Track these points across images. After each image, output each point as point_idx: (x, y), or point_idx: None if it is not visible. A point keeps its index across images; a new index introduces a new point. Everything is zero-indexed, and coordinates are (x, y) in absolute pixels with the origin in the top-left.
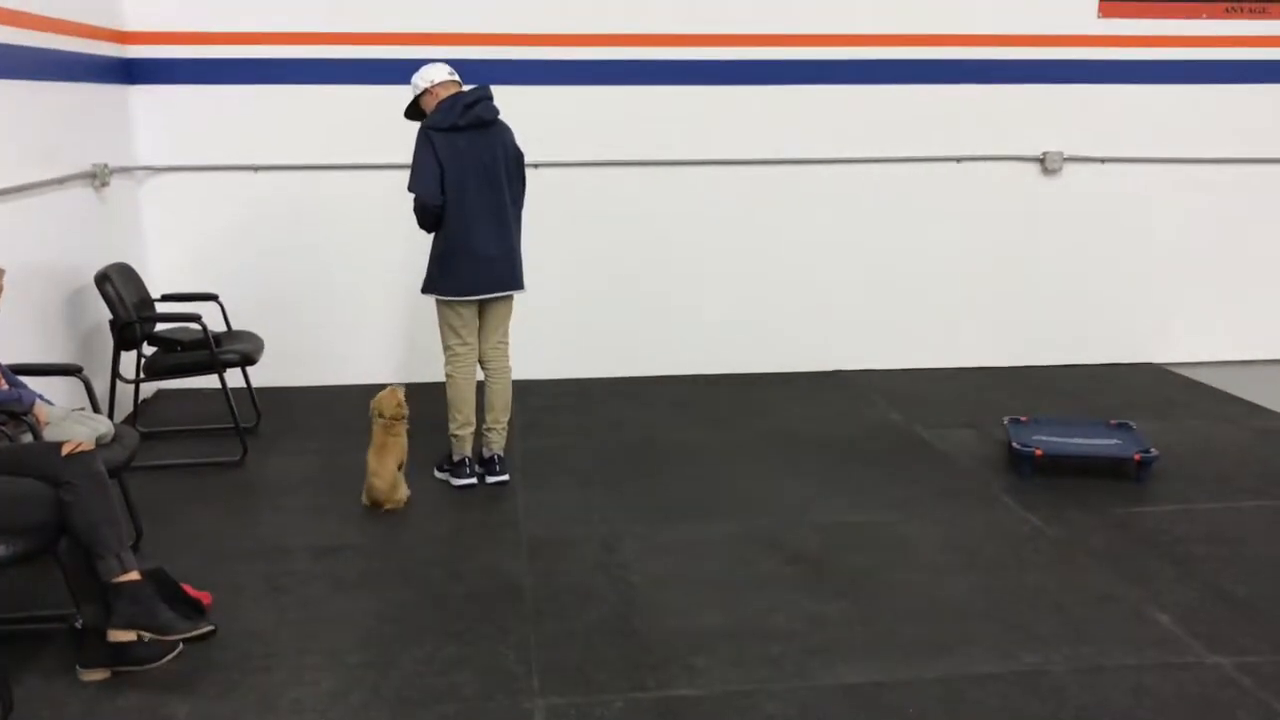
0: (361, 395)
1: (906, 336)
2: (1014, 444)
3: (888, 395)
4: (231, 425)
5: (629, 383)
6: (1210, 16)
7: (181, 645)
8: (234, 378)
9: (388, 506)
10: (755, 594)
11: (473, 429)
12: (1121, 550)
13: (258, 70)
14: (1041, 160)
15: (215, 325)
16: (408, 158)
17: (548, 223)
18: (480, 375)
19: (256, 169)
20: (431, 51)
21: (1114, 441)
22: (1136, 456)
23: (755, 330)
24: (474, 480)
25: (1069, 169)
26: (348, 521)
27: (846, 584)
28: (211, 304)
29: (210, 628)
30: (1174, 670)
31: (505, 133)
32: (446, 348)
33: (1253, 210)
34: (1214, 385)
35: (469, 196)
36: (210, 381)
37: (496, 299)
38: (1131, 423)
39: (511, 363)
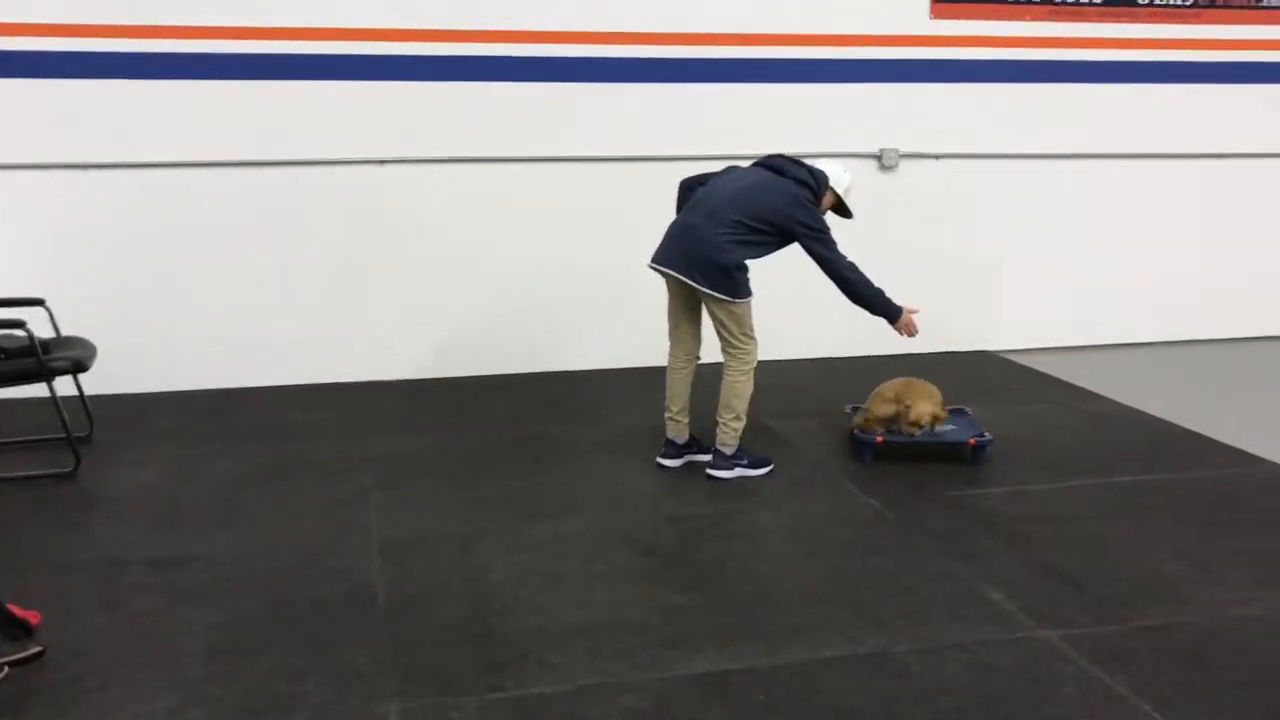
0: (207, 400)
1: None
2: (855, 431)
3: None
4: (63, 435)
5: (493, 380)
6: (1034, 19)
7: (7, 669)
8: (66, 386)
9: None
10: (611, 589)
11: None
12: (958, 532)
13: (88, 64)
14: (879, 157)
15: (43, 331)
16: (251, 153)
17: (391, 221)
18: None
19: (86, 167)
20: (256, 45)
21: (950, 427)
22: (971, 441)
23: (617, 324)
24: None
25: (905, 165)
26: (190, 531)
27: (699, 575)
28: (38, 309)
29: (39, 649)
30: (1007, 645)
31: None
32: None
33: (1077, 202)
34: (1044, 371)
35: None
36: (40, 390)
37: None
38: (966, 408)
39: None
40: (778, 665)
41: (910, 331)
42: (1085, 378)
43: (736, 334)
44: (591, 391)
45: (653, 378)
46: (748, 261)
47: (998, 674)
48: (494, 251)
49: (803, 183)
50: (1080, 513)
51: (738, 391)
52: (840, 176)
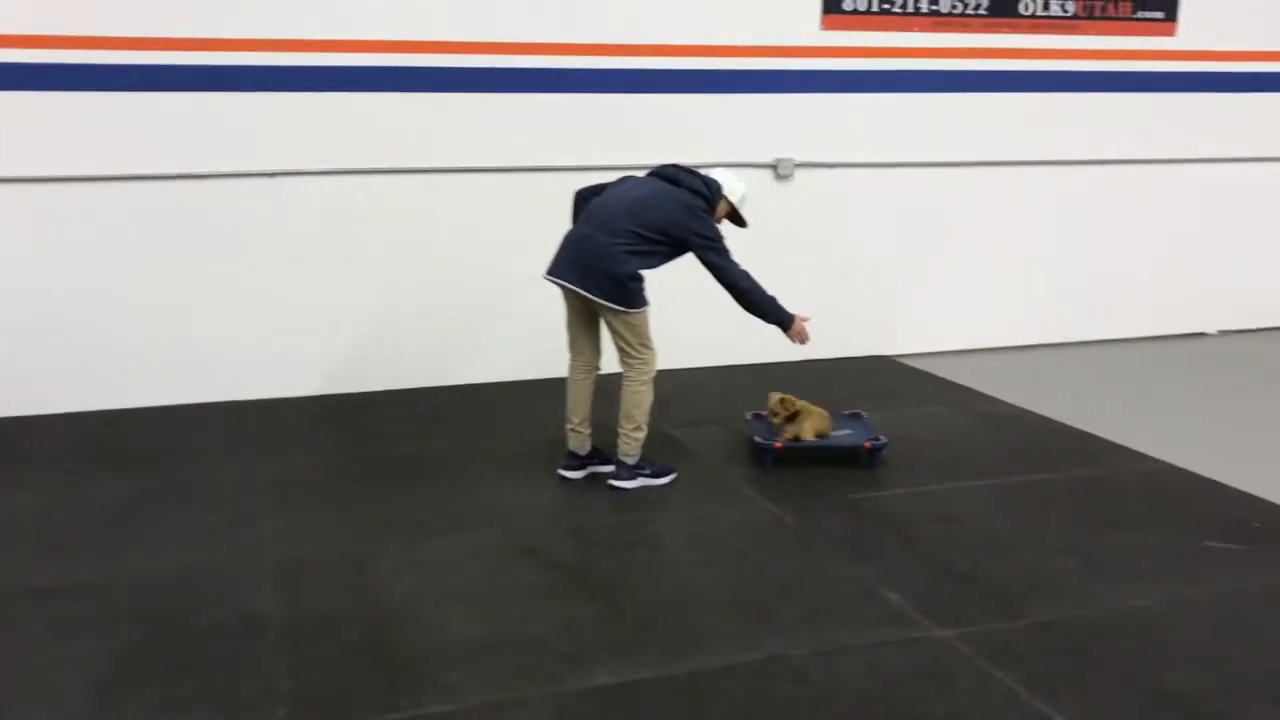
0: (89, 423)
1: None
2: (755, 438)
3: None
4: None
5: (386, 395)
6: (921, 29)
7: None
8: None
9: None
10: (511, 604)
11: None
12: (856, 534)
13: None
14: (774, 167)
15: None
16: (127, 167)
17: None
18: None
19: None
20: (130, 56)
21: (847, 431)
22: (867, 444)
23: (506, 336)
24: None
25: (800, 175)
26: (73, 559)
27: (600, 587)
28: None
29: None
30: (904, 646)
31: None
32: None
33: (970, 209)
34: (939, 374)
35: None
36: None
37: None
38: (862, 412)
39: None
40: (677, 675)
41: (802, 339)
42: (979, 380)
43: (634, 344)
44: (483, 405)
45: (546, 389)
46: (642, 272)
47: (895, 675)
48: (381, 266)
49: (697, 192)
50: (974, 512)
51: (637, 402)
52: (734, 186)
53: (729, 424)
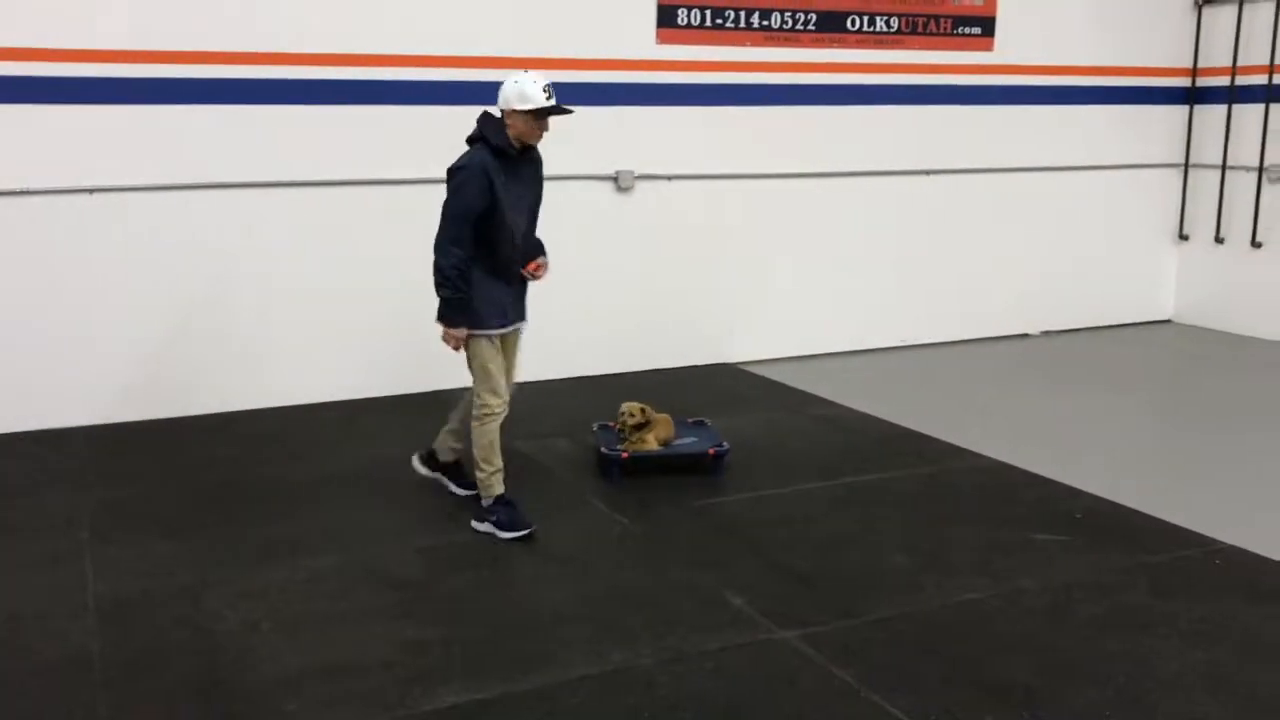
0: None
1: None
2: (602, 449)
3: None
4: None
5: (198, 422)
6: (753, 44)
7: None
8: None
9: None
10: (354, 627)
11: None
12: (701, 541)
13: None
14: (615, 179)
15: None
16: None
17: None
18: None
19: None
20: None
21: (691, 439)
22: (711, 451)
23: (348, 353)
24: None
25: (641, 186)
26: None
27: (447, 606)
28: None
29: None
30: (748, 649)
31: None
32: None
33: (805, 219)
34: (780, 380)
35: None
36: None
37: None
38: (706, 420)
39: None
40: (525, 691)
41: (451, 344)
42: (817, 385)
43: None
44: (305, 427)
45: (369, 408)
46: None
47: (739, 678)
48: (182, 285)
49: (471, 140)
50: (814, 514)
51: (474, 439)
52: (507, 89)
53: (576, 436)
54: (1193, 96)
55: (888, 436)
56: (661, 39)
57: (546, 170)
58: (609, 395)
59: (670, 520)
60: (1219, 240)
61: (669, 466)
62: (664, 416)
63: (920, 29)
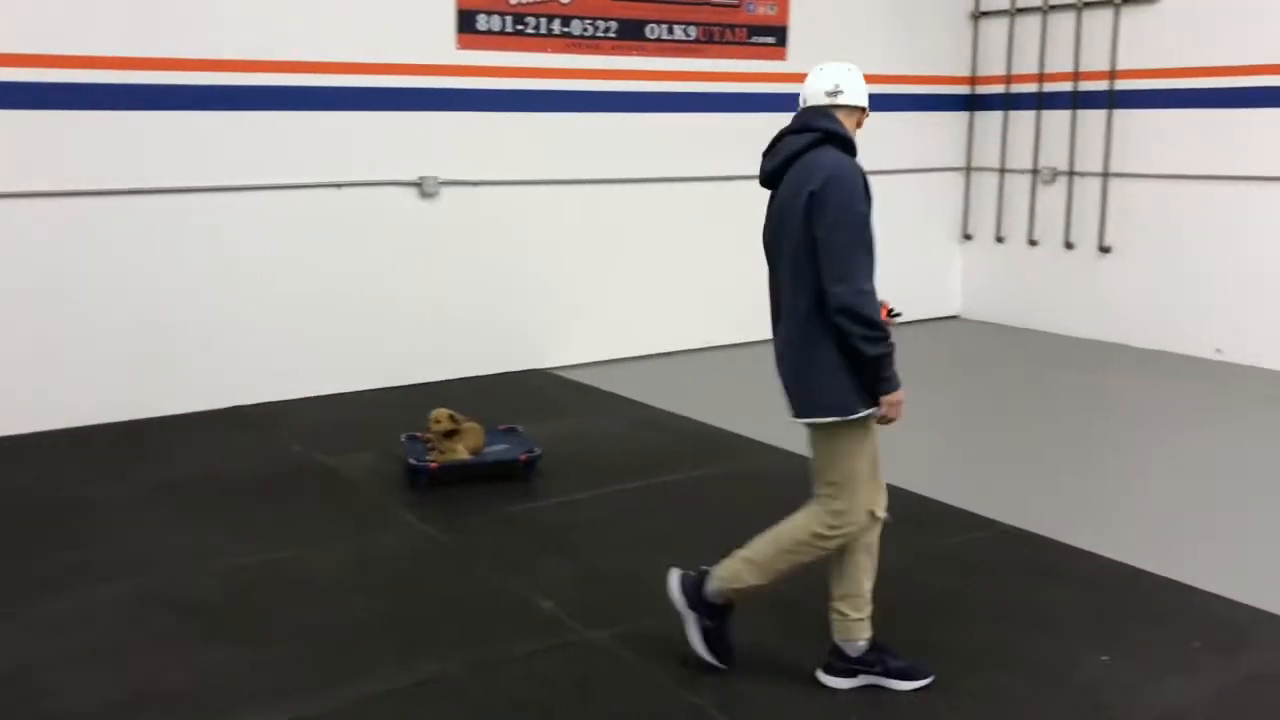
0: None
1: (305, 365)
2: (410, 460)
3: (289, 427)
4: None
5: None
6: (555, 51)
7: None
8: None
9: None
10: (149, 655)
11: None
12: (510, 547)
13: None
14: (419, 185)
15: None
16: None
17: None
18: None
19: None
20: None
21: (502, 446)
22: (523, 457)
23: (148, 368)
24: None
25: (446, 192)
26: None
27: (247, 628)
28: None
29: None
30: (559, 651)
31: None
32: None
33: (612, 223)
34: (592, 384)
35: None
36: None
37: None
38: (518, 427)
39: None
40: (330, 710)
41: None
42: (629, 388)
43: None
44: (113, 443)
45: (180, 424)
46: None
47: (551, 680)
48: None
49: (823, 134)
50: (624, 514)
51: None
52: (840, 80)
53: (384, 448)
54: (973, 103)
55: (698, 436)
56: (462, 44)
57: (347, 173)
58: (418, 405)
59: (480, 529)
60: (999, 239)
61: (479, 475)
62: (474, 425)
63: (717, 38)
